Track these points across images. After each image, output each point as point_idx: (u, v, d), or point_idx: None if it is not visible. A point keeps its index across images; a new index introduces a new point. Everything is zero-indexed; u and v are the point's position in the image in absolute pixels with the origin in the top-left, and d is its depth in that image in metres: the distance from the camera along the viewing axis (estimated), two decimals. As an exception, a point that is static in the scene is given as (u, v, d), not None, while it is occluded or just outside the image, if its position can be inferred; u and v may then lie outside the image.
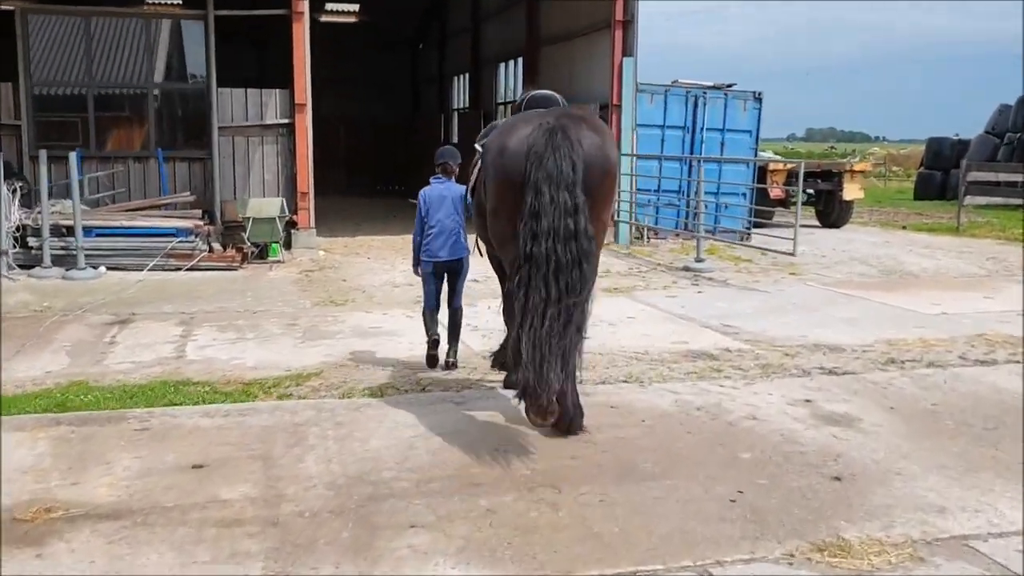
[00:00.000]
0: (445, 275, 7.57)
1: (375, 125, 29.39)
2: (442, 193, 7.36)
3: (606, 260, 14.58)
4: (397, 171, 31.29)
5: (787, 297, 11.59)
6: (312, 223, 15.01)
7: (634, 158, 16.46)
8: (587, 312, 5.13)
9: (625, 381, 7.15)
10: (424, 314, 7.65)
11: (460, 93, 28.28)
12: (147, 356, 8.37)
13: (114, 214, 13.02)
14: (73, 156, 12.17)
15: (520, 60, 22.21)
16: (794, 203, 21.06)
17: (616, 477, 4.72)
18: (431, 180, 7.54)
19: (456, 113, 28.21)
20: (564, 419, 5.13)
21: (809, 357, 8.21)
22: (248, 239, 13.45)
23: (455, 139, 27.45)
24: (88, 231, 12.78)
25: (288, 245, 14.85)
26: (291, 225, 15.00)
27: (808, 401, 6.13)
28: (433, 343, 7.61)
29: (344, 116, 31.46)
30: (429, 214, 7.35)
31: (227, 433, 5.04)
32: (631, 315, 10.32)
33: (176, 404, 6.27)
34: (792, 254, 12.82)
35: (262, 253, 13.93)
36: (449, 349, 7.69)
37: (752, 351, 8.51)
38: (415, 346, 8.72)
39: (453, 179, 7.41)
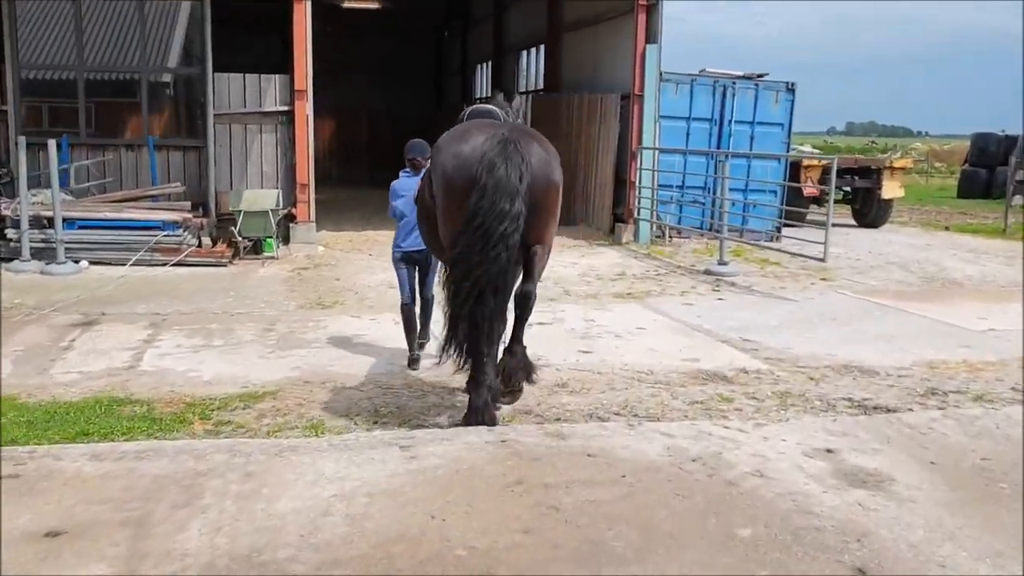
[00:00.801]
0: (417, 265, 7.68)
1: (398, 116, 28.50)
2: (411, 186, 7.26)
3: (622, 261, 13.63)
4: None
5: (816, 307, 10.56)
6: (312, 217, 14.19)
7: (656, 152, 15.46)
8: (530, 301, 5.56)
9: (618, 413, 6.19)
10: (402, 312, 7.67)
11: (482, 83, 27.35)
12: (98, 365, 7.58)
13: (98, 205, 12.29)
14: (52, 143, 11.44)
15: (542, 48, 21.22)
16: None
17: (575, 561, 3.71)
18: (400, 173, 7.73)
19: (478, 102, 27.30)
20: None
21: (836, 382, 7.22)
22: (239, 233, 12.65)
23: (476, 130, 26.57)
24: (70, 223, 12.07)
25: (287, 240, 14.06)
26: (290, 219, 14.20)
27: (830, 451, 5.03)
28: (413, 360, 7.61)
29: (367, 106, 30.69)
30: (398, 206, 7.53)
31: (110, 484, 4.12)
32: (641, 325, 9.36)
33: (88, 435, 5.43)
34: (822, 260, 11.75)
35: (256, 248, 13.14)
36: (420, 331, 7.72)
37: (771, 373, 7.53)
38: (394, 358, 7.86)
39: (423, 172, 6.92)
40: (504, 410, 6.17)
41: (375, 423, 5.80)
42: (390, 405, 6.31)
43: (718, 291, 11.49)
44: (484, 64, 26.84)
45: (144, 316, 9.55)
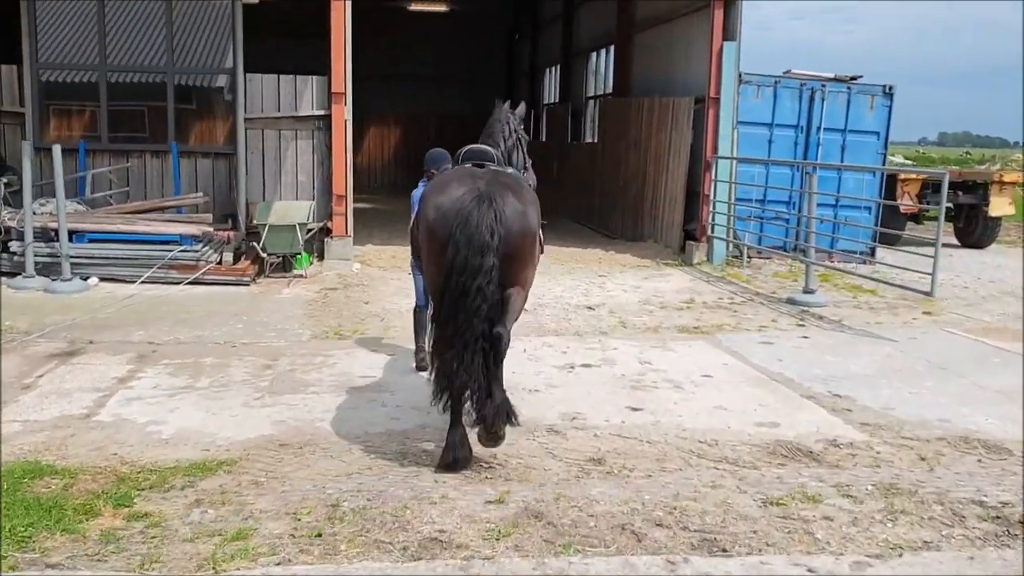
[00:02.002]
0: None
1: (467, 120, 27.18)
2: None
3: (692, 285, 12.06)
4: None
5: (920, 350, 8.83)
6: (349, 231, 12.95)
7: (734, 162, 13.82)
8: (502, 343, 5.38)
9: (660, 524, 4.60)
10: (414, 315, 7.78)
11: (551, 86, 25.95)
12: (52, 412, 6.38)
13: (112, 217, 11.24)
14: (57, 148, 10.40)
15: (612, 49, 19.71)
16: (929, 218, 18.04)
17: None
18: (419, 183, 7.73)
19: (545, 108, 25.87)
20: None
21: (956, 467, 5.56)
22: (262, 249, 11.45)
23: (543, 136, 25.15)
24: (80, 236, 11.04)
25: (323, 256, 12.86)
26: (326, 233, 13.00)
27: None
28: (421, 361, 7.41)
29: (435, 111, 29.60)
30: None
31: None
32: (708, 371, 7.80)
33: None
34: (929, 294, 9.97)
35: (286, 265, 11.95)
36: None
37: (869, 448, 5.90)
38: (399, 411, 6.49)
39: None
40: (508, 510, 4.70)
41: (318, 536, 4.34)
42: (362, 492, 4.88)
43: (803, 326, 9.83)
44: (553, 67, 25.44)
45: (135, 345, 8.39)
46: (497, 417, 5.31)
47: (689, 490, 4.97)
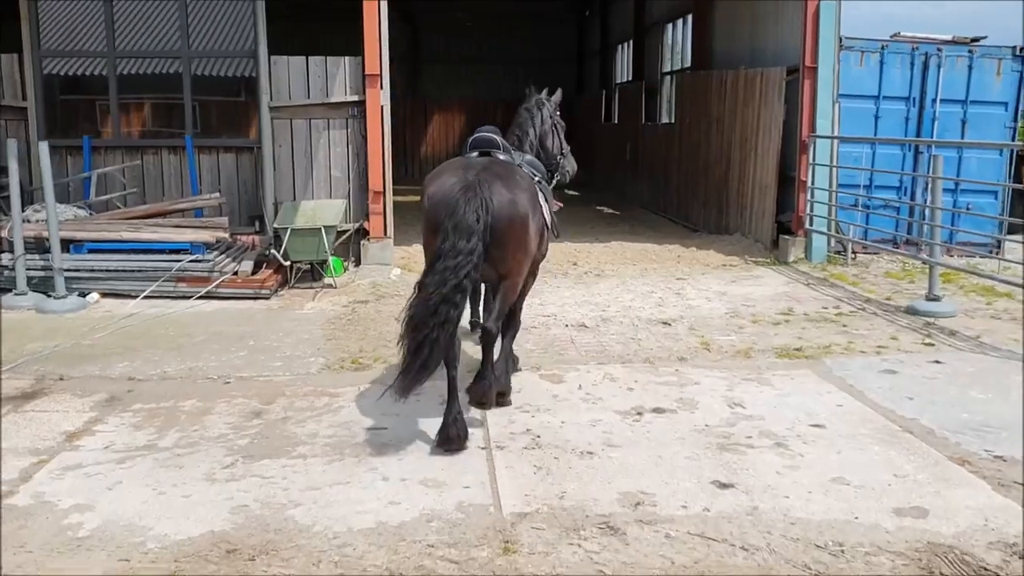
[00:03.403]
0: None
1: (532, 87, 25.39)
2: None
3: (789, 290, 10.17)
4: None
5: (1096, 380, 6.82)
6: (388, 232, 11.39)
7: (835, 141, 11.80)
8: (490, 336, 5.73)
9: None
10: None
11: (623, 64, 23.98)
12: (-40, 488, 4.94)
13: (115, 223, 9.88)
14: (44, 146, 9.07)
15: (689, 18, 17.71)
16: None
17: None
18: None
19: (617, 88, 23.91)
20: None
21: None
22: (283, 257, 9.95)
23: (615, 118, 23.23)
24: (79, 245, 9.71)
25: (359, 260, 11.34)
26: (363, 234, 11.47)
27: None
28: (473, 323, 7.52)
29: (501, 96, 27.91)
30: None
31: None
32: (819, 418, 5.97)
33: None
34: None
35: (315, 273, 10.45)
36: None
37: (1076, 559, 4.04)
38: (406, 486, 4.86)
39: None
40: None
41: None
42: None
43: (932, 345, 7.87)
44: (625, 44, 23.47)
45: (112, 383, 6.96)
46: (485, 396, 5.82)
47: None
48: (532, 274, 6.43)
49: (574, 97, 28.51)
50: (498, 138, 6.36)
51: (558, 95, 7.24)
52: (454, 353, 5.55)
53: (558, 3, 27.98)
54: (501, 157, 6.15)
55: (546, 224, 6.24)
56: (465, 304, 5.33)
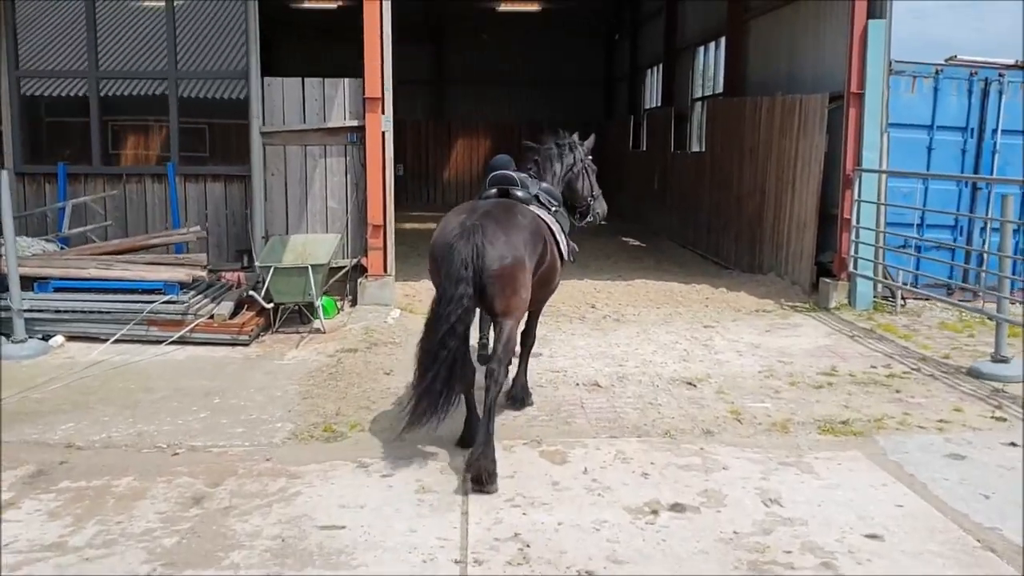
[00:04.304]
0: None
1: (561, 128, 24.36)
2: None
3: (831, 343, 9.09)
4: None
5: None
6: (388, 269, 10.44)
7: (882, 175, 10.69)
8: (495, 376, 5.60)
9: None
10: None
11: (653, 88, 22.98)
12: None
13: (84, 259, 8.98)
14: (4, 174, 8.17)
15: (722, 41, 16.68)
16: None
17: None
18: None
19: (646, 114, 22.87)
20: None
21: None
22: (265, 299, 8.99)
23: (643, 145, 22.19)
24: (44, 283, 8.82)
25: (356, 300, 10.38)
26: (361, 271, 10.52)
27: None
28: (482, 347, 7.47)
29: (527, 119, 27.03)
30: None
31: None
32: (875, 526, 4.85)
33: None
34: None
35: (304, 315, 9.48)
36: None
37: None
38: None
39: None
40: None
41: None
42: None
43: (1004, 420, 6.72)
44: (655, 67, 22.48)
45: (49, 449, 6.05)
46: (487, 480, 5.29)
47: None
48: (541, 302, 6.77)
49: (602, 122, 27.57)
50: (514, 174, 6.70)
51: (591, 140, 7.47)
52: (468, 385, 5.86)
53: (587, 25, 27.10)
54: (519, 194, 6.47)
55: (559, 255, 6.45)
56: (465, 345, 5.58)
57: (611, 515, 4.96)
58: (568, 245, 6.61)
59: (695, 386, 7.55)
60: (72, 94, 10.69)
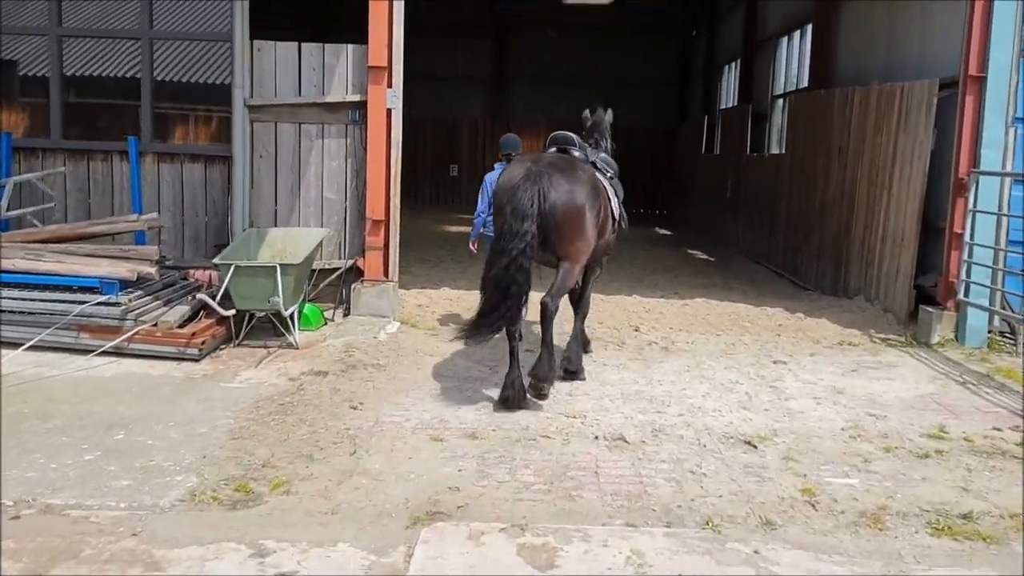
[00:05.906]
0: None
1: (632, 131, 22.41)
2: None
3: (937, 390, 7.01)
4: (657, 187, 24.72)
5: None
6: (390, 273, 8.71)
7: (1006, 180, 8.58)
8: (547, 310, 6.12)
9: None
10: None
11: (730, 86, 20.88)
12: None
13: (12, 248, 7.43)
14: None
15: (808, 29, 14.59)
16: None
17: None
18: (495, 166, 8.07)
19: (720, 114, 20.76)
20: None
21: None
22: (222, 304, 7.30)
23: (716, 148, 20.10)
24: (-40, 275, 7.30)
25: (349, 310, 8.68)
26: (356, 274, 8.82)
27: None
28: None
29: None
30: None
31: None
32: None
33: None
34: None
35: (287, 324, 7.77)
36: None
37: None
38: None
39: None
40: None
41: None
42: None
43: None
44: (732, 63, 20.40)
45: None
46: (545, 380, 6.09)
47: None
48: (598, 262, 7.23)
49: (675, 124, 25.51)
50: (575, 136, 7.07)
51: (610, 115, 8.01)
52: (518, 327, 6.08)
53: (660, 20, 25.10)
54: (576, 154, 6.84)
55: (612, 216, 6.85)
56: (528, 283, 5.91)
57: None
58: (621, 211, 7.08)
59: (755, 447, 5.61)
60: (31, 57, 9.20)
